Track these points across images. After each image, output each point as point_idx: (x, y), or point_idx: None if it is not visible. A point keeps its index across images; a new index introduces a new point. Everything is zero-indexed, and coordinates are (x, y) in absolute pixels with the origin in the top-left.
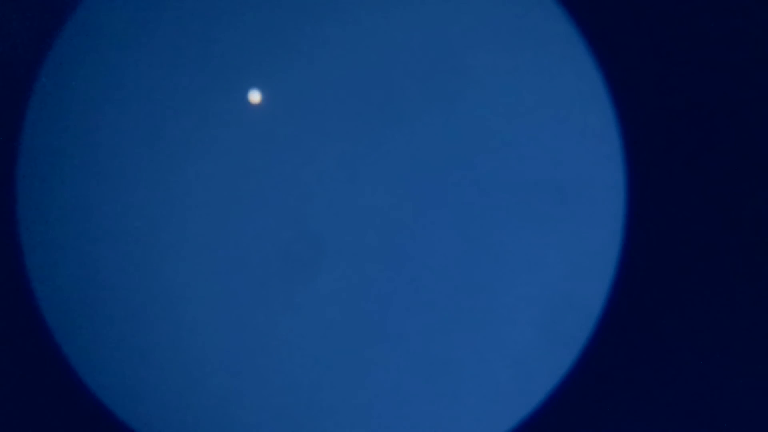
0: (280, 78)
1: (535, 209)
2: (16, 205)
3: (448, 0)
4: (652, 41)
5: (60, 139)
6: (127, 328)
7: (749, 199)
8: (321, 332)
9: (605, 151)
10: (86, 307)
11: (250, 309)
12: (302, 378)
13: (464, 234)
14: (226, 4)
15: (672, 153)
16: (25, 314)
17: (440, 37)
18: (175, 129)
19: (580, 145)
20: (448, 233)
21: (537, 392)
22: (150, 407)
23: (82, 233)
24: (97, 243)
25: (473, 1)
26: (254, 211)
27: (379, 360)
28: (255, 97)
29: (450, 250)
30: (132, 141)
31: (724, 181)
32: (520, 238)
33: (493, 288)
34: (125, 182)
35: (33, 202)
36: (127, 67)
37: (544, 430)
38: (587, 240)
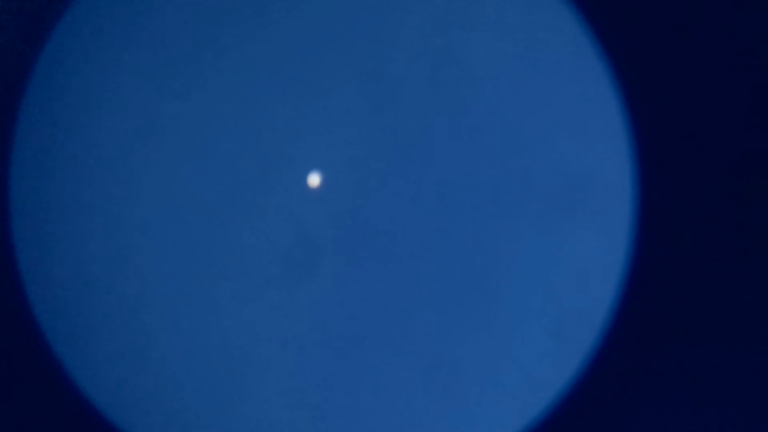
0: (279, 77)
1: (543, 211)
2: (9, 206)
3: None
4: (661, 40)
5: (53, 138)
6: (121, 330)
7: (764, 203)
8: (325, 338)
9: (615, 152)
10: (81, 309)
11: (248, 311)
12: (304, 382)
13: (471, 237)
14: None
15: (683, 154)
16: (18, 316)
17: (446, 35)
18: (169, 128)
19: (589, 146)
20: (455, 236)
21: (545, 398)
22: (144, 410)
23: (77, 234)
24: (92, 244)
25: None
26: (252, 212)
27: (387, 365)
28: None
29: (456, 253)
30: (126, 141)
31: (736, 184)
32: (529, 241)
33: (501, 292)
34: (119, 183)
35: (26, 202)
36: (121, 66)
37: None
38: (596, 244)
